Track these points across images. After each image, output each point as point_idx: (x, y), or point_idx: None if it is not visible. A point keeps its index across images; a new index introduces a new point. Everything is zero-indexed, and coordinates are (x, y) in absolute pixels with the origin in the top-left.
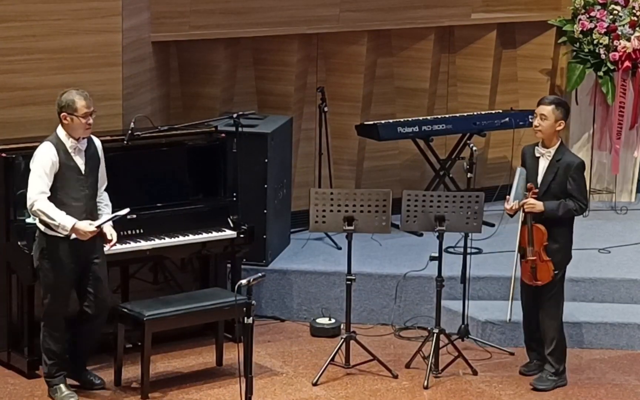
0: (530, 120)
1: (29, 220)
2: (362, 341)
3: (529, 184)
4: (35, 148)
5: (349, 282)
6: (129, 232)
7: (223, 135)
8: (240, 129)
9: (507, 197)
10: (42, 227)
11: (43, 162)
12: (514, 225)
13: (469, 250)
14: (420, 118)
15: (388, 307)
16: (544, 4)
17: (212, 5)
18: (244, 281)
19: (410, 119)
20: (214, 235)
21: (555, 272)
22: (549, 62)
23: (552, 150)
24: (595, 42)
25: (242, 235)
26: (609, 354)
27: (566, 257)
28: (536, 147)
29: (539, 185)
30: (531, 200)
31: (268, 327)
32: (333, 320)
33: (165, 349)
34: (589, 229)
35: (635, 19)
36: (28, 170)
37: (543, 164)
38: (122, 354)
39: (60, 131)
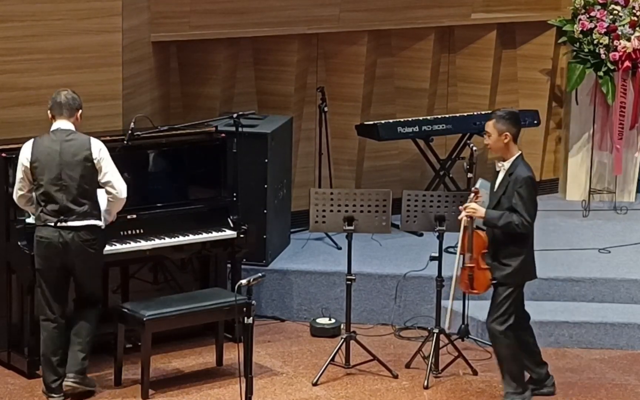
0: (530, 120)
1: (29, 220)
2: (362, 341)
3: (473, 188)
4: None
5: (349, 282)
6: (129, 232)
7: (223, 135)
8: (240, 129)
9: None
10: (101, 222)
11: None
12: None
13: None
14: (420, 118)
15: (388, 307)
16: (544, 4)
17: (212, 5)
18: (244, 281)
19: (410, 119)
20: (214, 235)
21: (493, 280)
22: (549, 62)
23: (507, 164)
24: (595, 42)
25: (242, 235)
26: (609, 354)
27: (522, 276)
28: (496, 162)
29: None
30: (473, 205)
31: (268, 327)
32: (333, 320)
33: (165, 349)
34: (589, 229)
35: (635, 19)
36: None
37: (500, 178)
38: (122, 354)
39: None
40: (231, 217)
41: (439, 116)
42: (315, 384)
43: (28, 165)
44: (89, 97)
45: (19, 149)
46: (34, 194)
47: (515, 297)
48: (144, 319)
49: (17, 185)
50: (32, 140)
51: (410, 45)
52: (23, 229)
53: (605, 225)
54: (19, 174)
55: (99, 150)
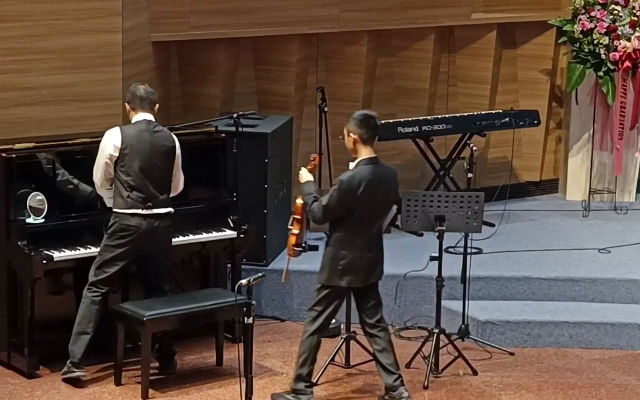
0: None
1: (29, 220)
2: (362, 341)
3: (313, 154)
4: (35, 148)
5: None
6: None
7: (223, 135)
8: (240, 129)
9: None
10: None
11: None
12: (514, 225)
13: (469, 250)
14: (420, 118)
15: (388, 307)
16: (544, 4)
17: (212, 5)
18: (244, 281)
19: (410, 119)
20: (214, 235)
21: (297, 247)
22: (549, 62)
23: (352, 165)
24: (595, 42)
25: (242, 235)
26: (609, 354)
27: (327, 276)
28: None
29: None
30: (302, 170)
31: (268, 327)
32: (333, 321)
33: None
34: (589, 229)
35: (635, 19)
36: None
37: None
38: (122, 354)
39: None
40: (231, 217)
41: (439, 116)
42: (315, 384)
43: (116, 153)
44: (89, 97)
45: (19, 149)
46: (116, 180)
47: (325, 297)
48: (144, 319)
49: (100, 175)
50: (117, 128)
51: (410, 45)
52: (23, 229)
53: (605, 225)
54: (102, 162)
55: (178, 147)
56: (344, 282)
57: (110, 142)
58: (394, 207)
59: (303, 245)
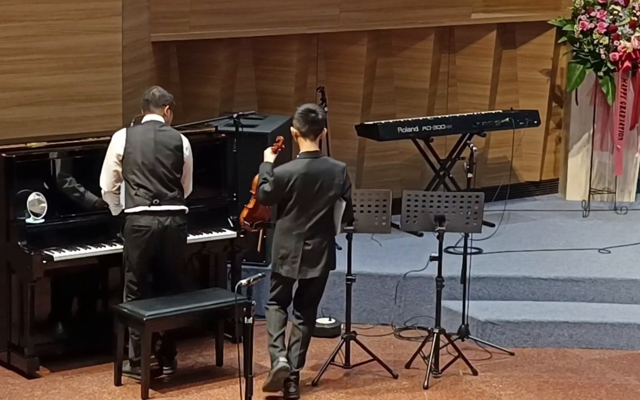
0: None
1: (29, 220)
2: (362, 341)
3: (279, 136)
4: (35, 147)
5: (349, 282)
6: None
7: (223, 135)
8: (240, 129)
9: None
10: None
11: None
12: (514, 225)
13: (469, 250)
14: (420, 118)
15: (388, 307)
16: (544, 4)
17: (212, 5)
18: (244, 281)
19: (410, 119)
20: (214, 235)
21: (247, 221)
22: (549, 62)
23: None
24: (595, 42)
25: (242, 235)
26: (609, 354)
27: (274, 261)
28: None
29: None
30: (266, 150)
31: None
32: (333, 320)
33: None
34: (589, 229)
35: (635, 19)
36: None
37: None
38: (122, 354)
39: None
40: (231, 217)
41: (439, 116)
42: (315, 384)
43: (122, 152)
44: (89, 97)
45: (19, 149)
46: (123, 183)
47: (274, 280)
48: (144, 319)
49: (107, 178)
50: (123, 130)
51: (410, 45)
52: (23, 229)
53: (605, 225)
54: (111, 163)
55: (187, 148)
56: (283, 271)
57: (117, 143)
58: (343, 203)
59: (251, 222)
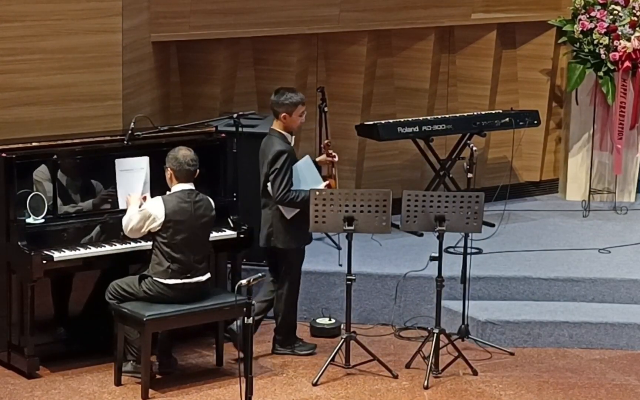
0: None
1: (29, 220)
2: (362, 341)
3: (326, 141)
4: (35, 147)
5: (349, 282)
6: None
7: (223, 135)
8: (240, 129)
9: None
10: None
11: None
12: (514, 225)
13: (469, 250)
14: (420, 118)
15: (388, 307)
16: (544, 4)
17: (212, 5)
18: (244, 281)
19: (410, 119)
20: (214, 235)
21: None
22: (549, 62)
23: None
24: (595, 42)
25: (242, 235)
26: (609, 354)
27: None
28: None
29: None
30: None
31: (268, 327)
32: (333, 320)
33: None
34: (589, 229)
35: (635, 19)
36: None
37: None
38: (122, 354)
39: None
40: (231, 217)
41: (439, 116)
42: (315, 384)
43: (159, 226)
44: (89, 97)
45: (19, 149)
46: (158, 244)
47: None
48: (144, 319)
49: (134, 231)
50: (159, 199)
51: (410, 45)
52: (23, 229)
53: (605, 225)
54: (145, 228)
55: (214, 210)
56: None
57: (156, 210)
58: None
59: None
